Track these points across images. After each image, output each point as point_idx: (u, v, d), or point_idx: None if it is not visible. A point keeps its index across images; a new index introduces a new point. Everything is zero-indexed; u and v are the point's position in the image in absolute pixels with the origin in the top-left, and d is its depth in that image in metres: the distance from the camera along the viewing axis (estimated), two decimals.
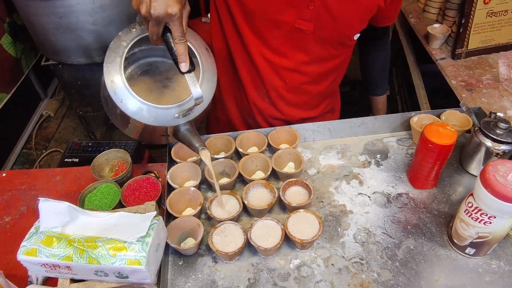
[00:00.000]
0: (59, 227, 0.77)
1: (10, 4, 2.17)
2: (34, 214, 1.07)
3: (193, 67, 0.79)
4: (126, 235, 0.75)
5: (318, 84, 1.14)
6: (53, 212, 0.77)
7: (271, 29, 1.00)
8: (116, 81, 0.84)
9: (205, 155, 0.87)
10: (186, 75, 0.79)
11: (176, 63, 0.79)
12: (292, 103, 1.17)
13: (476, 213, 0.81)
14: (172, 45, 0.78)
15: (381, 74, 1.35)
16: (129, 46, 0.85)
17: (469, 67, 1.49)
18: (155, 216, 0.80)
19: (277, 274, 0.87)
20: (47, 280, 0.90)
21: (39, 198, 0.77)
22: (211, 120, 1.35)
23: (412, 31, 1.87)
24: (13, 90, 2.55)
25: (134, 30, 0.87)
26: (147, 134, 0.95)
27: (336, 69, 1.14)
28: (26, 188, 1.14)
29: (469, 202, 0.83)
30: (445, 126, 0.94)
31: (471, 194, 0.82)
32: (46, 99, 3.00)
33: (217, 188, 0.93)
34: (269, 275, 0.87)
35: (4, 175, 1.18)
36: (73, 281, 0.80)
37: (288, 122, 1.21)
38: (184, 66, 0.78)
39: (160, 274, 0.84)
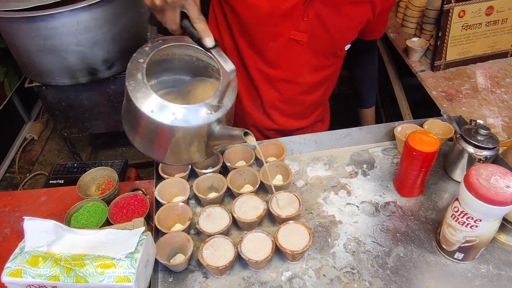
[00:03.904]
0: (45, 246, 0.75)
1: None
2: (18, 236, 1.04)
3: (217, 42, 0.79)
4: (114, 252, 0.74)
5: (312, 94, 1.17)
6: (38, 231, 0.75)
7: (267, 41, 1.03)
8: (141, 95, 0.82)
9: (250, 140, 0.84)
10: (213, 50, 0.78)
11: (200, 43, 0.78)
12: (286, 114, 1.20)
13: (462, 217, 0.82)
14: (191, 26, 0.78)
15: (369, 87, 1.39)
16: (147, 61, 0.85)
17: (448, 78, 1.54)
18: (143, 232, 0.79)
19: (269, 287, 0.87)
20: None
21: (24, 217, 0.76)
22: None
23: (392, 46, 1.92)
24: None
25: (147, 48, 0.87)
26: (184, 148, 0.91)
27: (328, 79, 1.17)
28: (10, 209, 1.11)
29: (455, 207, 0.84)
30: (427, 134, 0.96)
31: (457, 199, 0.84)
32: (30, 122, 2.96)
33: (270, 179, 0.95)
34: None
35: None
36: None
37: (282, 132, 1.24)
38: (209, 40, 0.76)
39: None
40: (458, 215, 0.83)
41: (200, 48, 0.83)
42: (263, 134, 1.25)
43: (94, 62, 1.87)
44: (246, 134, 0.84)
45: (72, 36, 1.76)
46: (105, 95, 2.06)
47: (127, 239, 0.77)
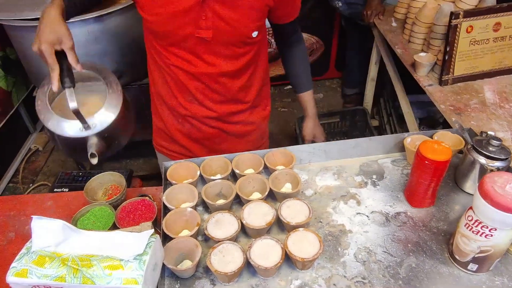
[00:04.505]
0: (53, 246, 0.74)
1: (4, 38, 2.20)
2: (23, 240, 1.03)
3: (70, 84, 0.96)
4: (122, 253, 0.73)
5: (237, 79, 1.20)
6: (46, 231, 0.74)
7: (179, 43, 1.10)
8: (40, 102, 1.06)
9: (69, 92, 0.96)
10: (67, 90, 0.96)
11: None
12: (219, 101, 1.22)
13: (476, 226, 0.81)
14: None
15: (299, 70, 1.37)
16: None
17: (456, 93, 1.54)
18: (152, 235, 0.78)
19: None
20: None
21: (32, 216, 0.74)
22: (155, 128, 1.41)
23: (398, 61, 1.94)
24: (1, 124, 2.52)
25: None
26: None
27: (250, 64, 1.20)
28: (15, 213, 1.10)
29: (469, 216, 0.82)
30: (439, 143, 0.95)
31: (471, 208, 0.82)
32: (35, 133, 2.97)
33: None
34: None
35: None
36: None
37: (222, 120, 1.26)
38: (53, 86, 0.94)
39: None
40: (472, 224, 0.81)
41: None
42: (207, 125, 1.27)
43: None
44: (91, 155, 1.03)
45: (82, 46, 1.78)
46: None
47: (135, 241, 0.75)
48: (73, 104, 0.95)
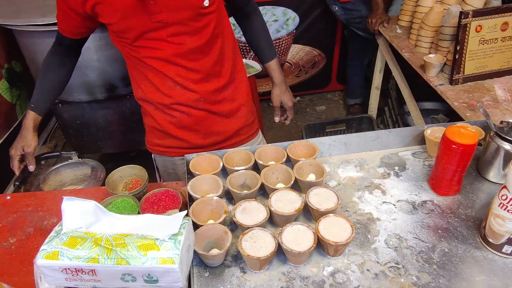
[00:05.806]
0: (84, 228, 0.72)
1: (9, 51, 2.20)
2: (41, 235, 1.00)
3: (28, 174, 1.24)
4: (157, 233, 0.71)
5: (207, 54, 1.20)
6: (77, 212, 0.72)
7: (142, 35, 1.11)
8: None
9: None
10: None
11: None
12: (197, 79, 1.22)
13: None
14: None
15: (260, 40, 1.39)
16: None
17: (468, 91, 1.55)
18: (184, 217, 0.76)
19: (311, 282, 0.82)
20: None
21: (63, 196, 0.73)
22: (148, 129, 1.39)
23: (404, 67, 1.96)
24: (5, 136, 2.49)
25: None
26: None
27: (215, 37, 1.20)
28: (33, 209, 1.08)
29: (503, 195, 0.82)
30: (466, 128, 0.95)
31: (505, 187, 0.82)
32: (38, 147, 2.93)
33: None
34: (303, 283, 0.82)
35: (8, 198, 1.11)
36: None
37: (205, 100, 1.25)
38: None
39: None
40: (507, 203, 0.80)
41: None
42: (194, 107, 1.25)
43: (113, 79, 1.89)
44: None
45: (93, 52, 1.79)
46: (121, 113, 2.07)
47: (169, 222, 0.73)
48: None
